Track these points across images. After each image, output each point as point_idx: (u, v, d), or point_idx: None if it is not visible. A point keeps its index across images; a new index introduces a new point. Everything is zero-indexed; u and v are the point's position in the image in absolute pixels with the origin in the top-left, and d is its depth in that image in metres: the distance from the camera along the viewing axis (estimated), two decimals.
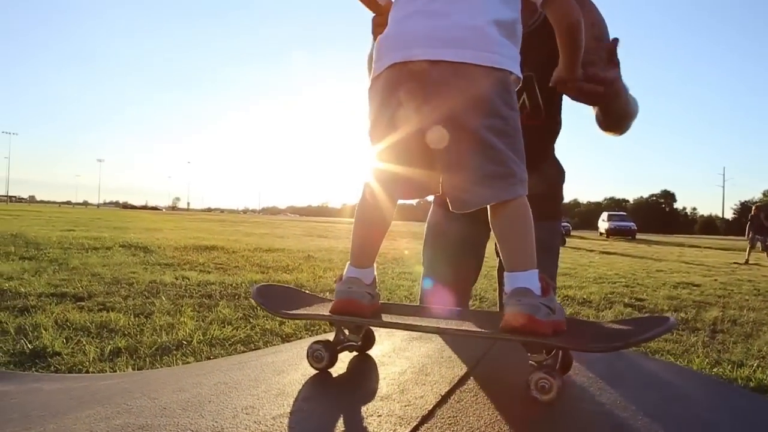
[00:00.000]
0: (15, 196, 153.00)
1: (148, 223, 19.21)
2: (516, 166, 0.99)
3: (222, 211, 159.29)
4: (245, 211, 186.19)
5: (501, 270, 1.68)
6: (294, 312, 1.00)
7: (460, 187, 1.00)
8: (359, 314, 0.95)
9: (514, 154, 0.99)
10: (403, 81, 1.01)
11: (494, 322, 0.87)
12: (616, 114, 1.48)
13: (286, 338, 2.80)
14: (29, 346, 2.41)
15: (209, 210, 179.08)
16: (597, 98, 1.30)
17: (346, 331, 1.00)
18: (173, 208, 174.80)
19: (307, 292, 1.15)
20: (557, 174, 1.81)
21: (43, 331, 2.64)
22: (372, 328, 1.07)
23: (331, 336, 0.99)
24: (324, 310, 1.00)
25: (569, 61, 1.13)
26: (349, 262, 1.05)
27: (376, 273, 1.06)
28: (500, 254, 1.00)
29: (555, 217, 1.80)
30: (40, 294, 3.68)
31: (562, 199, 1.84)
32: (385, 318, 0.96)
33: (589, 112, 1.54)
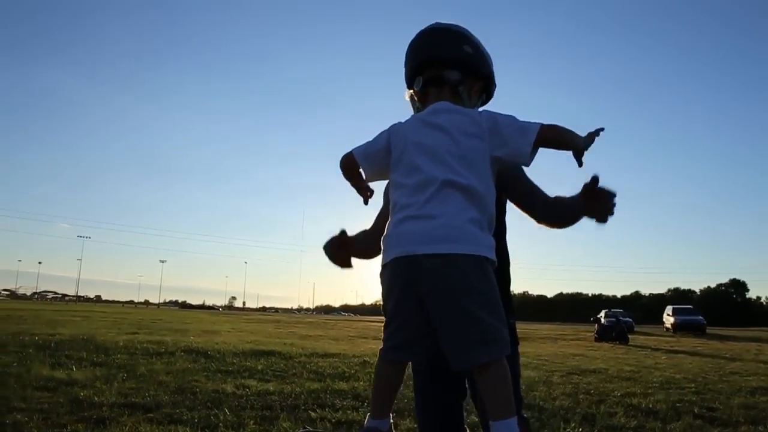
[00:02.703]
0: (83, 296, 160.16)
1: (206, 324, 19.69)
2: (498, 332, 1.25)
3: (276, 310, 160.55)
4: (299, 310, 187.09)
5: (475, 397, 1.80)
6: None
7: (454, 352, 1.26)
8: None
9: (497, 322, 1.25)
10: (404, 271, 1.29)
11: None
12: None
13: None
14: None
15: (264, 309, 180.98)
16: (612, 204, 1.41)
17: None
18: (229, 307, 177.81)
19: None
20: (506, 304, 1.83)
21: None
22: None
23: None
24: None
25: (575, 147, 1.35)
26: (369, 414, 1.32)
27: (392, 421, 1.33)
28: (483, 402, 1.23)
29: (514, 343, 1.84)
30: (113, 404, 3.87)
31: (514, 328, 1.83)
32: None
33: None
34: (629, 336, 18.42)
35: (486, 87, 1.58)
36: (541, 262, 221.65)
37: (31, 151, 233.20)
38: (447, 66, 1.48)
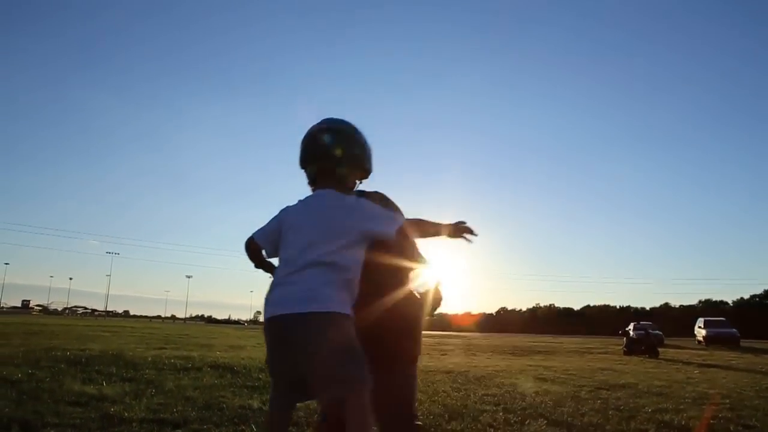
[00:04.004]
0: (112, 311, 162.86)
1: (231, 339, 19.84)
2: (349, 373, 1.52)
3: None
4: None
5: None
6: None
7: (318, 391, 1.55)
8: None
9: (350, 364, 1.53)
10: (273, 329, 1.60)
11: None
12: None
13: None
14: None
15: None
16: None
17: None
18: (254, 321, 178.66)
19: None
20: (415, 309, 1.87)
21: None
22: None
23: None
24: None
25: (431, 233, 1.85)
26: None
27: None
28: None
29: (411, 359, 1.87)
30: (142, 419, 3.92)
31: (420, 339, 1.93)
32: None
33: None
34: (659, 349, 18.00)
35: (365, 176, 1.92)
36: (568, 273, 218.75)
37: (62, 170, 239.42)
38: (339, 163, 1.80)
